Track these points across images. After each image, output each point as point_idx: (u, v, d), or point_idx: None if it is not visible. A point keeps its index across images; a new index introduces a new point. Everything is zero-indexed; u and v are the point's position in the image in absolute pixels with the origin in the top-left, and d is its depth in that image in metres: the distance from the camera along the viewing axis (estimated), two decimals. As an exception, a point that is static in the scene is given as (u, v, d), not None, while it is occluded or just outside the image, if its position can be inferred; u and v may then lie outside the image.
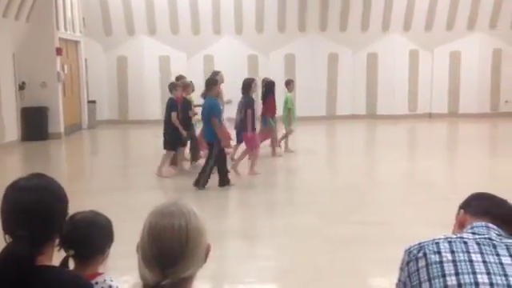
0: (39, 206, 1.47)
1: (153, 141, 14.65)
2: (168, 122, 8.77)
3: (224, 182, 7.89)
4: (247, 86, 8.96)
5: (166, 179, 8.67)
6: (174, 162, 9.15)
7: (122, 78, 17.10)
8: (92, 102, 16.30)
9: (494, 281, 1.49)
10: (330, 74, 17.42)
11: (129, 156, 12.29)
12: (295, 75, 17.06)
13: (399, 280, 1.67)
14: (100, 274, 1.91)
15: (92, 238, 1.88)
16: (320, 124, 16.06)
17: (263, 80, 11.14)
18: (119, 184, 8.81)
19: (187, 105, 9.12)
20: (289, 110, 10.86)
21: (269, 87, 10.64)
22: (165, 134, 8.88)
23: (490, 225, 1.68)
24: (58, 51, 13.81)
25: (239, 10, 16.93)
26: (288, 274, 4.73)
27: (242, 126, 8.94)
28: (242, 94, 9.00)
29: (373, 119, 16.81)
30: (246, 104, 8.84)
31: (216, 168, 7.88)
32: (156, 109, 17.23)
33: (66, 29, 14.75)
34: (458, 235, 1.65)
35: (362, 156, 11.42)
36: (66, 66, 14.68)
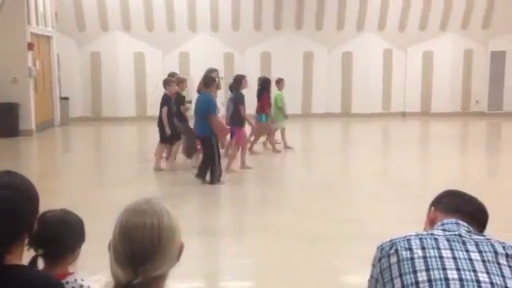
0: (8, 205, 1.43)
1: (127, 138, 14.53)
2: (161, 117, 9.01)
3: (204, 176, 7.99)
4: (238, 82, 9.11)
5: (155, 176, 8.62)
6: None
7: (96, 74, 16.85)
8: (65, 99, 16.00)
9: (463, 276, 1.52)
10: (305, 73, 17.52)
11: (102, 153, 12.12)
12: (271, 73, 17.07)
13: (371, 276, 1.69)
14: (71, 274, 1.88)
15: (62, 237, 1.85)
16: (295, 122, 16.10)
17: (259, 78, 11.23)
18: (92, 182, 8.69)
19: (181, 100, 9.31)
20: (279, 108, 10.91)
21: (264, 85, 10.74)
22: (159, 129, 9.09)
23: (460, 222, 1.72)
24: (30, 46, 13.52)
25: (215, 7, 16.87)
26: (262, 271, 4.74)
27: (234, 121, 8.98)
28: (233, 90, 9.07)
29: (347, 117, 16.98)
30: (237, 100, 8.96)
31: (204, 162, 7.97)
32: (131, 106, 17.07)
33: (37, 24, 14.44)
34: (429, 232, 1.68)
35: (337, 154, 11.52)
36: (37, 62, 14.38)
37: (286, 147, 11.11)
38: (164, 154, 9.34)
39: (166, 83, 9.19)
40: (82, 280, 1.88)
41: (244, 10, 16.92)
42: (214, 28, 17.07)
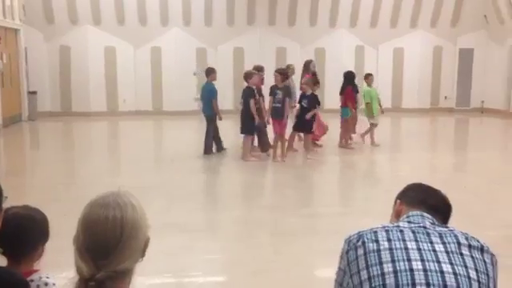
0: None
1: (97, 133, 14.31)
2: (246, 110, 9.37)
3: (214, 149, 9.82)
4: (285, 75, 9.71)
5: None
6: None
7: (65, 68, 16.53)
8: (33, 93, 15.64)
9: (427, 267, 1.56)
10: (277, 68, 17.52)
11: (71, 149, 11.90)
12: (244, 69, 17.06)
13: (339, 268, 1.71)
14: (35, 271, 1.84)
15: (24, 234, 1.80)
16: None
17: (344, 72, 11.23)
18: (60, 178, 8.54)
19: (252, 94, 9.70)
20: (367, 103, 10.91)
21: (348, 78, 10.77)
22: (244, 121, 9.47)
23: (425, 214, 1.76)
24: (-4, 39, 13.18)
25: (187, 1, 16.73)
26: (234, 267, 4.75)
27: (279, 113, 9.30)
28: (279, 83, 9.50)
29: (321, 113, 17.06)
30: (285, 93, 9.40)
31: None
32: (101, 101, 16.81)
33: (4, 16, 14.06)
34: (395, 224, 1.72)
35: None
36: (4, 55, 14.02)
37: (373, 144, 10.99)
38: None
39: (247, 76, 9.55)
40: (47, 277, 1.84)
41: (217, 4, 16.84)
42: (187, 23, 16.94)
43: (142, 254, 1.34)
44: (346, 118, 10.81)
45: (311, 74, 10.94)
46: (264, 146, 9.98)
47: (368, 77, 11.21)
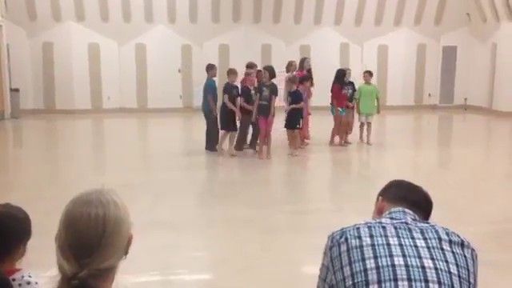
0: None
1: (81, 131, 14.17)
2: (223, 106, 9.73)
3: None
4: (272, 73, 9.76)
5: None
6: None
7: (48, 65, 16.32)
8: (15, 91, 15.42)
9: (408, 263, 1.58)
10: (263, 65, 17.53)
11: (56, 147, 11.78)
12: (229, 66, 17.02)
13: (322, 264, 1.73)
14: (17, 270, 1.82)
15: (6, 233, 1.78)
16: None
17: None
18: (44, 176, 8.45)
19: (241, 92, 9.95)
20: (358, 100, 10.96)
21: (336, 76, 10.83)
22: (221, 117, 9.84)
23: (407, 210, 1.78)
24: (-23, 36, 12.96)
25: (172, -2, 16.64)
26: (220, 264, 4.75)
27: (266, 110, 9.40)
28: (266, 80, 9.57)
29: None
30: (272, 91, 9.46)
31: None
32: (85, 98, 16.65)
33: (-15, 12, 13.85)
34: (377, 220, 1.73)
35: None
36: (-15, 52, 13.80)
37: (361, 141, 11.07)
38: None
39: (228, 72, 9.93)
40: (30, 276, 1.82)
41: (202, 1, 16.77)
42: (172, 19, 16.85)
43: (125, 252, 1.33)
44: (334, 115, 10.85)
45: (306, 71, 11.00)
46: (239, 143, 9.97)
47: (364, 74, 11.36)
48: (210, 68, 10.25)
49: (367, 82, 11.22)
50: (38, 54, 16.21)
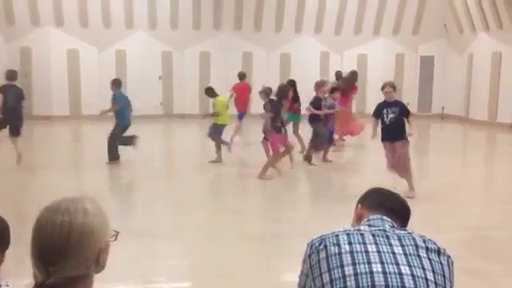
0: None
1: (59, 137, 13.97)
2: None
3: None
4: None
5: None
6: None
7: (26, 70, 16.09)
8: (-9, 96, 15.14)
9: (386, 269, 1.60)
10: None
11: (32, 154, 11.58)
12: (210, 73, 17.07)
13: (302, 272, 1.74)
14: (-6, 279, 1.79)
15: None
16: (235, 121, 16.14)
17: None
18: (21, 184, 8.30)
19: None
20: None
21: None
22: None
23: (385, 217, 1.81)
24: (-48, 40, 12.71)
25: (152, 4, 16.60)
26: (198, 272, 4.72)
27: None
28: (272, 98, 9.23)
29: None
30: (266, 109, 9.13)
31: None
32: (64, 105, 16.44)
33: (-39, 16, 13.61)
34: (356, 228, 1.76)
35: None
36: (-39, 56, 13.55)
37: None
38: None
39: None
40: (7, 285, 1.79)
41: (182, 8, 16.77)
42: (152, 26, 16.80)
43: (98, 262, 1.30)
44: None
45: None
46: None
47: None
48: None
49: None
50: (15, 59, 15.96)
